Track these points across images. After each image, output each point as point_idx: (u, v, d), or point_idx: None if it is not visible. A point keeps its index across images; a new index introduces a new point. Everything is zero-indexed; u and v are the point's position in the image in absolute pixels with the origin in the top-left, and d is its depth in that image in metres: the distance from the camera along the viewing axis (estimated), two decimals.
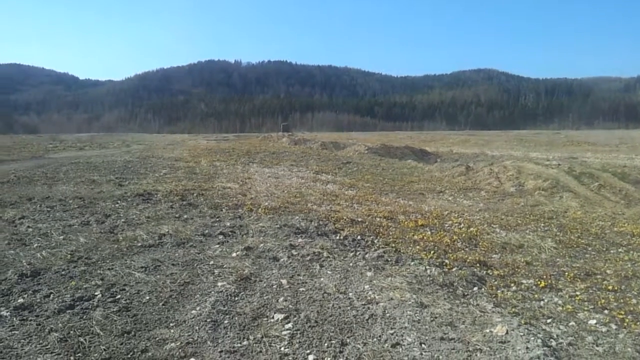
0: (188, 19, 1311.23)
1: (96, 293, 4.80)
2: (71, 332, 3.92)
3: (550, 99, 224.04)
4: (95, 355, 3.56)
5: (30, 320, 4.15)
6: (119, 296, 4.75)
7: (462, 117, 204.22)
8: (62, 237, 7.07)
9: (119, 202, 10.08)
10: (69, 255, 6.06)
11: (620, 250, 7.44)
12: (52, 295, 4.73)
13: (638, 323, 4.47)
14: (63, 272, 5.44)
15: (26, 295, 4.71)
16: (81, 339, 3.79)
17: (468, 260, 6.45)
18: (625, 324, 4.45)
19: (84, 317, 4.24)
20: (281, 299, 4.81)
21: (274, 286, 5.19)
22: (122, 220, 8.33)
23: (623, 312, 4.73)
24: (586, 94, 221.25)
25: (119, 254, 6.23)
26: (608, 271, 6.23)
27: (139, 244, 6.72)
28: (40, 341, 3.76)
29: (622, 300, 5.12)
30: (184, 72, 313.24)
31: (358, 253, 6.71)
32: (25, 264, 5.69)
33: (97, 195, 10.88)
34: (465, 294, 5.23)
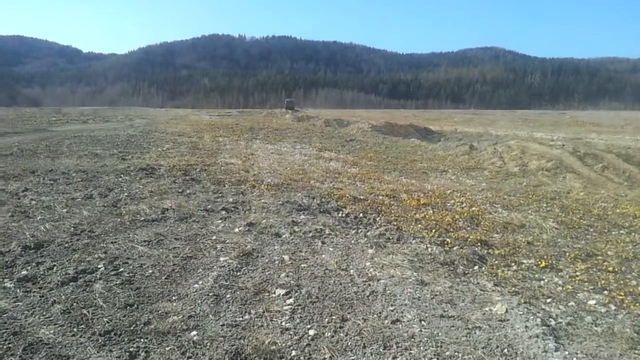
0: None
1: (99, 266, 4.84)
2: (74, 304, 3.97)
3: (556, 79, 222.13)
4: (99, 327, 3.60)
5: (34, 292, 4.20)
6: (121, 269, 4.80)
7: (467, 95, 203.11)
8: (65, 210, 7.10)
9: (122, 176, 10.11)
10: (72, 228, 6.10)
11: (621, 231, 7.44)
12: (55, 268, 4.78)
13: (637, 304, 4.48)
14: (66, 245, 5.49)
15: (30, 268, 4.76)
16: (84, 311, 3.83)
17: (469, 239, 6.47)
18: (625, 305, 4.47)
19: (87, 289, 4.28)
20: (283, 274, 4.84)
21: (276, 262, 5.23)
22: (125, 194, 8.36)
23: (623, 293, 4.74)
24: (593, 74, 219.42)
25: (122, 228, 6.27)
26: (609, 252, 6.23)
27: (142, 218, 6.75)
28: (44, 313, 3.81)
29: (622, 282, 5.14)
30: (187, 46, 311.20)
31: (360, 230, 6.73)
32: (28, 236, 5.73)
33: (100, 168, 10.90)
34: (466, 272, 5.25)
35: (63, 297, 4.10)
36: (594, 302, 4.55)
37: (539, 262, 5.69)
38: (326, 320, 3.87)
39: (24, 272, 4.61)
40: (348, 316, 3.94)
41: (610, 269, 5.55)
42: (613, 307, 4.43)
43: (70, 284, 4.39)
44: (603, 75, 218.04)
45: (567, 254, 6.08)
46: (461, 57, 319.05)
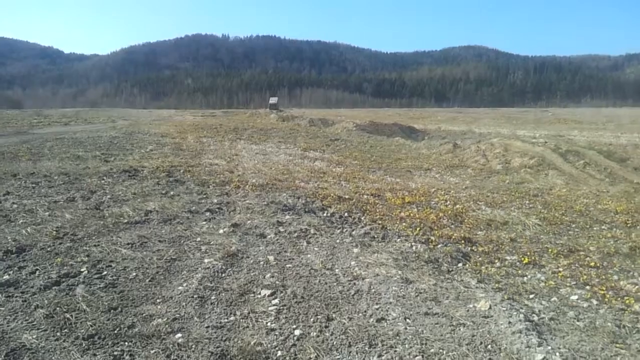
0: None
1: (82, 269, 4.79)
2: (57, 308, 3.92)
3: (538, 77, 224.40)
4: (82, 331, 3.57)
5: (16, 296, 4.14)
6: (105, 272, 4.75)
7: (451, 94, 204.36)
8: (47, 213, 7.02)
9: (104, 178, 10.00)
10: (55, 232, 6.02)
11: (603, 227, 7.56)
12: (37, 272, 4.72)
13: (618, 299, 4.57)
14: (49, 249, 5.42)
15: (11, 272, 4.69)
16: (67, 315, 3.79)
17: (453, 237, 6.53)
18: (606, 300, 4.55)
19: (70, 293, 4.24)
20: (268, 275, 4.84)
21: (261, 262, 5.22)
22: (108, 196, 8.28)
23: (604, 288, 4.82)
24: (574, 71, 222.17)
25: (105, 231, 6.21)
26: (591, 248, 6.33)
27: (125, 221, 6.69)
28: (26, 317, 3.76)
29: (603, 277, 5.23)
30: (170, 46, 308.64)
31: (345, 230, 6.76)
32: (10, 240, 5.65)
33: (83, 171, 10.78)
34: (450, 270, 5.30)
35: (46, 301, 4.05)
36: (576, 297, 4.62)
37: (522, 259, 5.76)
38: (312, 320, 3.87)
39: (6, 277, 4.54)
40: (333, 315, 3.95)
41: (592, 264, 5.64)
42: (595, 302, 4.50)
43: (53, 288, 4.34)
44: (585, 73, 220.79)
45: (550, 250, 6.17)
46: (444, 55, 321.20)
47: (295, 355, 3.38)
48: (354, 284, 4.66)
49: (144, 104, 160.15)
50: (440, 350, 3.42)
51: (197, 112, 70.29)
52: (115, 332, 3.58)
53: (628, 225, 7.62)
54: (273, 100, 67.78)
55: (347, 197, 8.98)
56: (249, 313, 3.97)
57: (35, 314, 3.82)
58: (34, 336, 3.48)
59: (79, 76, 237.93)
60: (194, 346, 3.43)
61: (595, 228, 7.50)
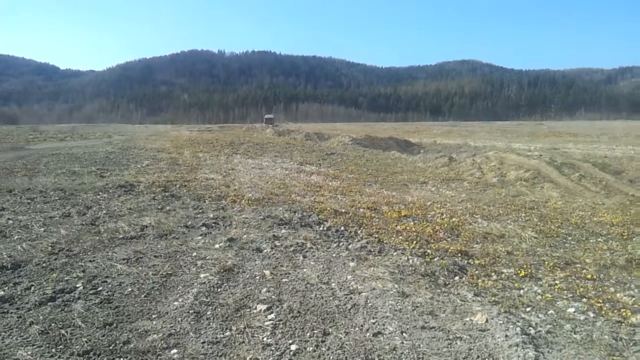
0: (171, 9, 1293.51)
1: (77, 285, 4.76)
2: (52, 324, 3.89)
3: (533, 90, 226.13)
4: (77, 347, 3.54)
5: (11, 312, 4.11)
6: (100, 288, 4.72)
7: (446, 108, 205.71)
8: (42, 229, 6.98)
9: (100, 193, 9.98)
10: (50, 247, 5.99)
11: (599, 239, 7.58)
12: (32, 288, 4.68)
13: (615, 311, 4.56)
14: (44, 264, 5.39)
15: (7, 288, 4.66)
16: (62, 331, 3.76)
17: (450, 250, 6.52)
18: (603, 312, 4.54)
19: (65, 309, 4.21)
20: (264, 289, 4.82)
21: (257, 277, 5.20)
22: (104, 211, 8.25)
23: (601, 301, 4.82)
24: (568, 85, 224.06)
25: (101, 246, 6.18)
26: (587, 260, 6.34)
27: (121, 236, 6.67)
28: (21, 334, 3.73)
29: (600, 289, 5.22)
30: (166, 62, 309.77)
31: (341, 244, 6.74)
32: (5, 256, 5.62)
33: (79, 186, 10.75)
34: (447, 283, 5.29)
35: (41, 317, 4.02)
36: (572, 310, 4.61)
37: (519, 272, 5.76)
38: (308, 334, 3.85)
39: (1, 293, 4.50)
40: (330, 330, 3.93)
41: (589, 276, 5.64)
42: (591, 315, 4.50)
43: (48, 304, 4.31)
44: (578, 86, 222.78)
45: (546, 262, 6.17)
46: (439, 70, 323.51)
47: None
48: (351, 298, 4.64)
49: (140, 119, 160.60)
50: None
51: (193, 127, 70.45)
52: (111, 348, 3.55)
53: (624, 237, 7.65)
54: (269, 115, 68.57)
55: (343, 210, 8.98)
56: (244, 328, 3.94)
57: (30, 330, 3.79)
58: (29, 352, 3.45)
59: (75, 92, 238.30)
60: None
61: (591, 240, 7.52)
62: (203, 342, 3.68)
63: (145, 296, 4.57)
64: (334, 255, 6.17)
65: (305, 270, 5.51)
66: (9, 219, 7.57)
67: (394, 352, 3.59)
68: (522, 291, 5.17)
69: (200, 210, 8.62)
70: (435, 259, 6.12)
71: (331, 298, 4.63)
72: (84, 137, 35.96)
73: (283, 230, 7.33)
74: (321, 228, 7.66)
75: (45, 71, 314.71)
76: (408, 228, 7.79)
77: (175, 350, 3.55)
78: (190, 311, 4.22)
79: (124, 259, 5.66)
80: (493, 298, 4.84)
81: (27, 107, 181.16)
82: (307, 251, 6.29)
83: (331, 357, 3.51)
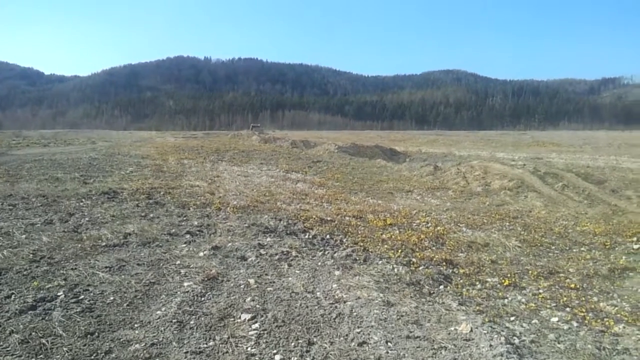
0: (156, 14, 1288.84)
1: (59, 293, 4.68)
2: (33, 333, 3.82)
3: (517, 100, 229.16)
4: (58, 357, 3.47)
5: None
6: (82, 296, 4.64)
7: (431, 117, 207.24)
8: (24, 236, 6.86)
9: (83, 200, 9.85)
10: (31, 255, 5.88)
11: (582, 249, 7.65)
12: (13, 296, 4.59)
13: (598, 320, 4.60)
14: (25, 272, 5.29)
15: None
16: (43, 341, 3.69)
17: (435, 259, 6.53)
18: (586, 322, 4.57)
19: (46, 318, 4.13)
20: (248, 298, 4.78)
21: (242, 286, 5.16)
22: (87, 219, 8.14)
23: (584, 310, 4.86)
24: (552, 95, 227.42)
25: (83, 254, 6.09)
26: (570, 269, 6.39)
27: (104, 244, 6.58)
28: (1, 343, 3.65)
29: (583, 298, 5.27)
30: (152, 68, 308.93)
31: (327, 252, 6.72)
32: None
33: (61, 193, 10.60)
34: (432, 292, 5.29)
35: (21, 326, 3.93)
36: (556, 319, 4.64)
37: (503, 281, 5.78)
38: (292, 344, 3.82)
39: None
40: (314, 340, 3.90)
41: (572, 286, 5.68)
42: (575, 324, 4.53)
43: (29, 312, 4.22)
44: (562, 97, 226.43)
45: (530, 271, 6.21)
46: (424, 79, 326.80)
47: None
48: (336, 307, 4.62)
49: (125, 125, 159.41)
50: None
51: (178, 134, 70.18)
52: (92, 357, 3.49)
53: (607, 246, 7.73)
54: (255, 125, 69.18)
55: (329, 219, 8.97)
56: (228, 338, 3.90)
57: (10, 339, 3.71)
58: None
59: (59, 97, 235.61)
60: None
61: (574, 250, 7.59)
62: (186, 352, 3.63)
63: (127, 305, 4.50)
64: (319, 263, 6.15)
65: (290, 279, 5.48)
66: None
67: None
68: (506, 300, 5.19)
69: (185, 218, 8.55)
70: (420, 268, 6.12)
71: (316, 307, 4.61)
72: (67, 143, 35.54)
73: (268, 239, 7.29)
74: (307, 236, 7.64)
75: (29, 76, 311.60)
76: (393, 236, 7.80)
77: None
78: (173, 320, 4.17)
79: (106, 267, 5.58)
80: (477, 307, 4.85)
81: (10, 112, 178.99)
82: (292, 260, 6.25)
83: None
